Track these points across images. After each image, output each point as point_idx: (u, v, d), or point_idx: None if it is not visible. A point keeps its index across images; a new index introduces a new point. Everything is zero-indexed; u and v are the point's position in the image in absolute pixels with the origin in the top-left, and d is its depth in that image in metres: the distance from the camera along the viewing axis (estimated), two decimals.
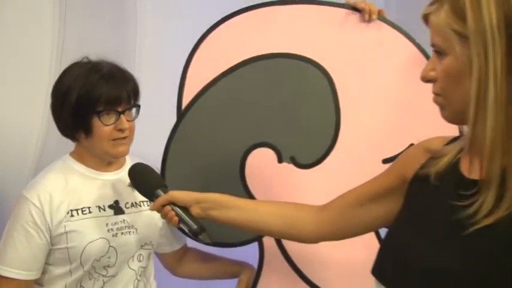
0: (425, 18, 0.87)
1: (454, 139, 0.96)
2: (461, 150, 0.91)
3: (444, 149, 0.95)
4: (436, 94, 0.88)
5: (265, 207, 1.24)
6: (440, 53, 0.85)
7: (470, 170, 0.87)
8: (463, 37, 0.80)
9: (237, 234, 1.41)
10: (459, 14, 0.80)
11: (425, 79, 0.88)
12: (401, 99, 1.46)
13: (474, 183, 0.84)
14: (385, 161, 1.43)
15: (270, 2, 1.49)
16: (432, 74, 0.87)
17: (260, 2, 1.50)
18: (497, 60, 0.77)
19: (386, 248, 0.99)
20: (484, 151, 0.80)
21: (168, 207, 1.23)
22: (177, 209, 1.23)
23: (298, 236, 1.22)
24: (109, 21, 1.92)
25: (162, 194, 1.25)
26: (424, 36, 0.92)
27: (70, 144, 1.40)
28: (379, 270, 0.98)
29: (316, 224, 1.17)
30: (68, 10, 1.79)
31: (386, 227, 1.07)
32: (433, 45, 0.86)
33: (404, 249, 0.92)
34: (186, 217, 1.22)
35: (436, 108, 0.90)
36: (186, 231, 1.25)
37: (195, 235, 1.23)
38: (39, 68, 1.74)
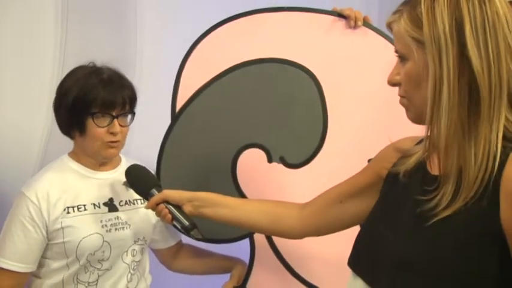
0: (389, 26, 0.93)
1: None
2: None
3: (413, 148, 0.99)
4: (401, 96, 0.94)
5: (252, 205, 1.30)
6: (402, 58, 0.91)
7: (433, 166, 0.92)
8: (420, 43, 0.86)
9: (229, 231, 1.46)
10: (416, 22, 0.86)
11: (391, 83, 0.94)
12: (385, 101, 1.46)
13: (435, 178, 0.89)
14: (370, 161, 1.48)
15: (261, 9, 1.53)
16: (397, 78, 0.93)
17: (256, 6, 1.54)
18: (450, 64, 0.82)
19: (360, 241, 1.04)
20: (440, 148, 0.86)
21: (162, 205, 1.28)
22: (171, 207, 1.28)
23: (283, 232, 1.27)
24: (110, 24, 1.93)
25: (157, 193, 1.30)
26: None
27: (72, 145, 1.45)
28: (354, 262, 1.03)
29: (299, 220, 1.22)
30: (69, 12, 1.80)
31: None
32: (396, 51, 0.92)
33: (376, 242, 0.97)
34: (179, 214, 1.27)
35: None
36: (179, 227, 1.30)
37: (187, 231, 1.28)
38: (42, 69, 1.75)
